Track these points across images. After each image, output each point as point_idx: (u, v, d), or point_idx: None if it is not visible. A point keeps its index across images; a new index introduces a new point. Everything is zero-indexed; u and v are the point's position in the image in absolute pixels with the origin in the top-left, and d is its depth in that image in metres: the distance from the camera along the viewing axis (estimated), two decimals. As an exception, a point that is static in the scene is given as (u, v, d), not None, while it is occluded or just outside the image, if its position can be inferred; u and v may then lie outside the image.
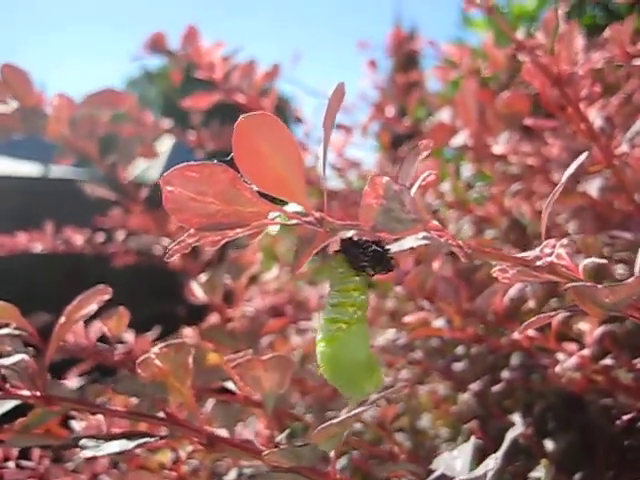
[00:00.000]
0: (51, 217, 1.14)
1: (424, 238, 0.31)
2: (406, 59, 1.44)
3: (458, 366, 0.78)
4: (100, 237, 1.11)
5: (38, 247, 1.08)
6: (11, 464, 0.92)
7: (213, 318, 0.78)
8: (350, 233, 0.34)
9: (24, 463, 0.93)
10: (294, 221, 0.31)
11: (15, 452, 0.92)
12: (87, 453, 0.36)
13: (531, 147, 0.73)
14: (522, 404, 0.77)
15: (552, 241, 0.34)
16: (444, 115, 0.94)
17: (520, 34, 0.78)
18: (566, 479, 0.63)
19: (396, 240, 0.37)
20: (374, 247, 0.35)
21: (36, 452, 0.94)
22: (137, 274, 1.17)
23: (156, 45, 1.01)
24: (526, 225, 0.92)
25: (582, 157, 0.34)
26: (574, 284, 0.31)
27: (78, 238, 1.09)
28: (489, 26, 1.91)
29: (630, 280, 0.30)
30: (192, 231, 0.31)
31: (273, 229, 0.32)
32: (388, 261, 0.35)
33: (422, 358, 0.81)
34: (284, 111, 1.30)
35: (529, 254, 0.34)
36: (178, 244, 0.31)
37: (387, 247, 0.35)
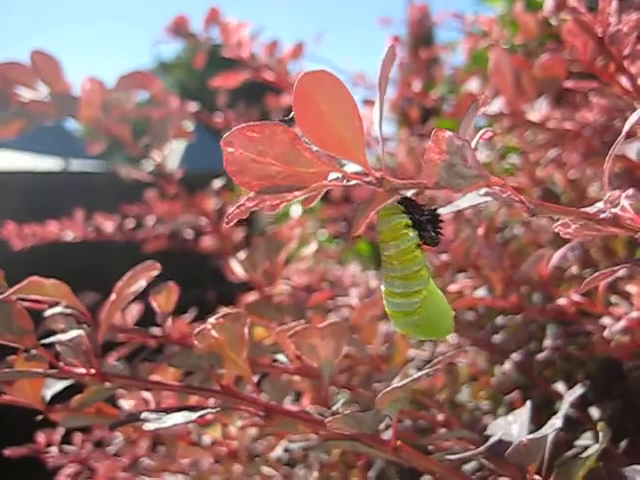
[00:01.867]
0: (71, 210, 1.15)
1: (486, 194, 0.31)
2: (425, 34, 1.42)
3: (497, 337, 0.77)
4: (129, 224, 1.12)
5: (69, 235, 1.09)
6: (54, 449, 0.94)
7: (252, 296, 0.78)
8: (410, 193, 0.34)
9: (67, 448, 0.95)
10: (354, 182, 0.31)
11: (58, 437, 0.94)
12: (150, 426, 0.36)
13: (565, 113, 0.72)
14: (563, 373, 0.76)
15: (616, 193, 0.33)
16: (472, 85, 0.93)
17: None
18: (613, 446, 0.63)
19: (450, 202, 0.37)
20: (430, 210, 0.34)
21: (78, 437, 0.95)
22: (166, 259, 1.17)
23: (179, 29, 1.00)
24: (559, 195, 0.91)
25: (639, 112, 0.33)
26: (645, 234, 0.31)
27: (108, 225, 1.10)
28: (507, -1, 1.88)
29: None
30: (252, 194, 0.30)
31: (297, 211, 0.32)
32: (439, 230, 0.35)
33: (459, 331, 0.81)
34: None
35: (592, 208, 0.33)
36: (238, 208, 0.31)
37: (441, 216, 0.35)
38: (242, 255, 0.66)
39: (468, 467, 0.61)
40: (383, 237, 0.34)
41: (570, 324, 0.68)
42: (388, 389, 0.34)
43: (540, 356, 0.67)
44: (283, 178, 0.29)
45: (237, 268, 0.68)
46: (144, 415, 0.37)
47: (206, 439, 0.66)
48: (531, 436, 0.36)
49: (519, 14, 0.78)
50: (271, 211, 0.31)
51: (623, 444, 0.64)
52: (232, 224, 0.31)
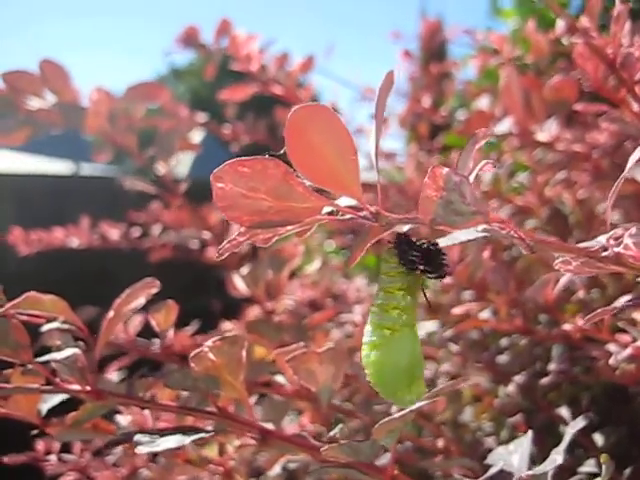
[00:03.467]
0: (81, 214, 1.15)
1: (484, 230, 0.30)
2: (437, 49, 1.42)
3: (502, 358, 0.76)
4: (135, 232, 1.12)
5: (75, 242, 1.08)
6: (53, 457, 0.94)
7: (253, 312, 0.77)
8: (406, 228, 0.33)
9: (66, 456, 0.94)
10: (348, 216, 0.30)
11: (57, 446, 0.93)
12: (143, 449, 0.35)
13: (575, 134, 0.71)
14: (568, 397, 0.75)
15: (619, 230, 0.32)
16: (482, 103, 0.92)
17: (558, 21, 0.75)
18: (616, 473, 0.62)
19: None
20: (427, 246, 0.33)
21: (77, 446, 0.95)
22: (170, 269, 1.17)
23: (189, 39, 1.00)
24: (567, 215, 0.90)
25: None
26: (646, 275, 0.30)
27: (114, 233, 1.09)
28: (520, 14, 1.88)
29: None
30: (243, 229, 0.30)
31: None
32: (441, 265, 0.34)
33: (463, 351, 0.80)
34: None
35: (594, 244, 0.32)
36: (229, 243, 0.30)
37: (442, 250, 0.34)
38: (245, 270, 0.66)
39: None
40: (384, 276, 0.34)
41: (576, 348, 0.67)
42: (385, 420, 0.34)
43: (544, 380, 0.67)
44: (275, 213, 0.29)
45: (239, 283, 0.68)
46: (137, 437, 0.37)
47: (205, 455, 0.65)
48: (531, 472, 0.36)
49: (531, 33, 0.77)
50: (263, 244, 0.30)
51: (627, 472, 0.63)
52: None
